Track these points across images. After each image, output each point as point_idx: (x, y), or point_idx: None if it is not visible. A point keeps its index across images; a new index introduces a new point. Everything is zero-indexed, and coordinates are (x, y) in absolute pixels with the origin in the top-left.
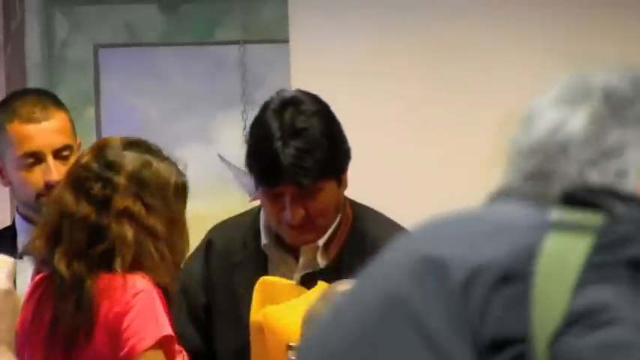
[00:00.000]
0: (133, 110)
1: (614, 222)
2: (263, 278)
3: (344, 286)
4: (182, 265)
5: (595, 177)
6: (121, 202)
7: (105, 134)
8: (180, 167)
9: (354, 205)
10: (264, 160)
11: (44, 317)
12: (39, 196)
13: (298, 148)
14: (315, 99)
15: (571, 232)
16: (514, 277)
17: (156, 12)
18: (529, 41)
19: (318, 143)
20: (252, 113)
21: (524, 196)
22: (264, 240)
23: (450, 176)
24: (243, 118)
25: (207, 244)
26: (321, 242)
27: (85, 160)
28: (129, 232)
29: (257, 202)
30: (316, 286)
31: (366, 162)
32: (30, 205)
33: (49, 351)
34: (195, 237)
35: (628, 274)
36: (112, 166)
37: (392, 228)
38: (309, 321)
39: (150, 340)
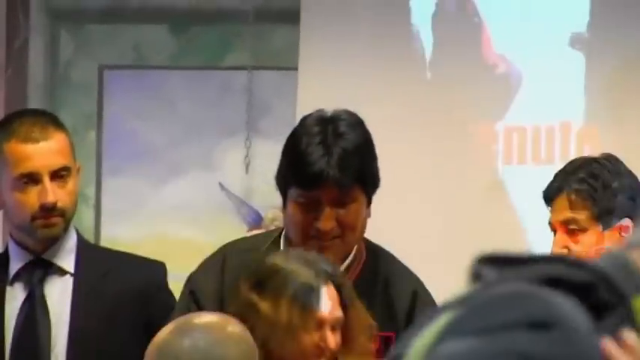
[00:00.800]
0: (135, 134)
1: None
2: None
3: (202, 317)
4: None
5: None
6: None
7: (106, 158)
8: None
9: (367, 242)
10: (305, 161)
11: None
12: (34, 218)
13: (344, 148)
14: (353, 113)
15: None
16: None
17: (165, 33)
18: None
19: (360, 149)
20: (256, 141)
21: None
22: None
23: (453, 203)
24: (246, 145)
25: (223, 260)
26: (342, 267)
27: None
28: None
29: (254, 232)
30: None
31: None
32: (24, 229)
33: None
34: (191, 266)
35: None
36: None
37: (403, 270)
38: (160, 352)
39: None
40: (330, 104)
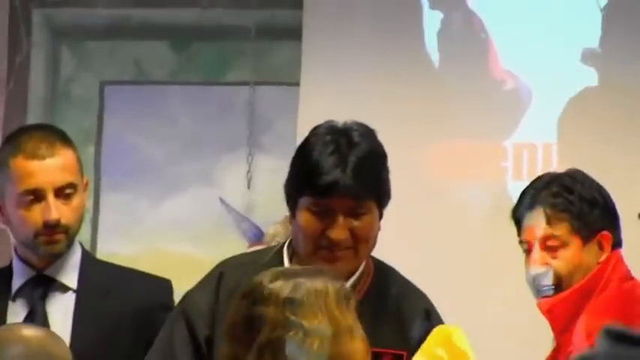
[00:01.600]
0: (135, 150)
1: None
2: None
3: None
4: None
5: None
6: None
7: (104, 173)
8: None
9: (374, 259)
10: (319, 170)
11: None
12: (37, 235)
13: (359, 158)
14: (364, 125)
15: None
16: None
17: (166, 49)
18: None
19: (374, 159)
20: (258, 157)
21: None
22: None
23: (460, 222)
24: (247, 161)
25: (219, 277)
26: (348, 284)
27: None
28: None
29: (254, 248)
30: None
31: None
32: (27, 245)
33: None
34: (190, 282)
35: None
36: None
37: (413, 288)
38: None
39: None
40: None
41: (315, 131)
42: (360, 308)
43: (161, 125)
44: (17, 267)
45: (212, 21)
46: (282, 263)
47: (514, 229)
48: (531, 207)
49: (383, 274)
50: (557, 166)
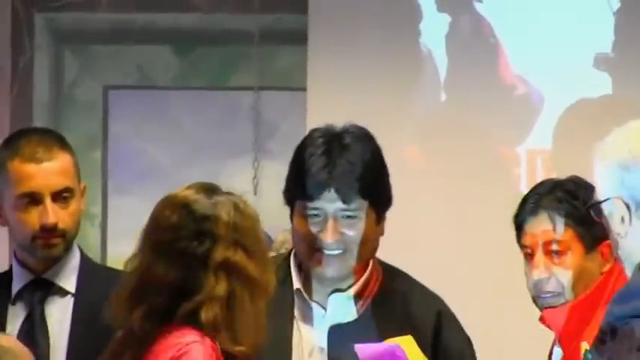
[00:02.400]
0: (141, 154)
1: None
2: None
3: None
4: None
5: None
6: (221, 253)
7: (111, 178)
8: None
9: (381, 262)
10: (308, 172)
11: None
12: (34, 238)
13: (348, 161)
14: (362, 127)
15: None
16: None
17: (170, 54)
18: None
19: (366, 162)
20: (264, 162)
21: None
22: (296, 284)
23: (473, 228)
24: (254, 166)
25: None
26: (352, 292)
27: (172, 220)
28: (223, 285)
29: None
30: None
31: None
32: (25, 248)
33: None
34: None
35: None
36: (208, 219)
37: (419, 287)
38: None
39: None
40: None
41: (310, 134)
42: (369, 312)
43: (166, 130)
44: (16, 270)
45: (215, 25)
46: (289, 270)
47: None
48: (535, 212)
49: (392, 277)
50: (569, 173)
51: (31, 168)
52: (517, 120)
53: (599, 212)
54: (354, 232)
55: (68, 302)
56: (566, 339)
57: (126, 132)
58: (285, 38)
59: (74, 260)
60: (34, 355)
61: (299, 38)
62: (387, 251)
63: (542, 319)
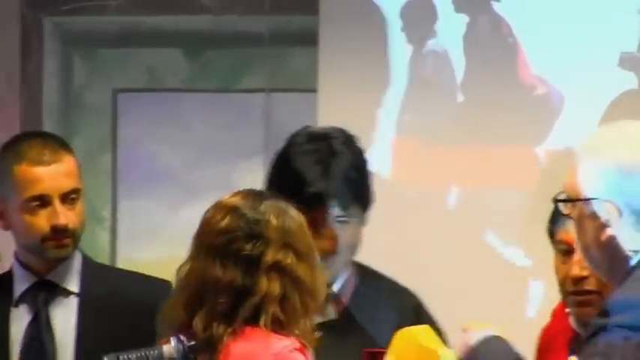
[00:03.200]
0: (151, 158)
1: None
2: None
3: None
4: None
5: None
6: (272, 256)
7: (121, 182)
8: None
9: (356, 263)
10: (304, 181)
11: None
12: (44, 240)
13: (342, 168)
14: (343, 130)
15: None
16: None
17: (179, 57)
18: None
19: (357, 167)
20: None
21: None
22: None
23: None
24: (265, 168)
25: None
26: (335, 288)
27: (224, 224)
28: (277, 286)
29: None
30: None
31: (387, 216)
32: (33, 250)
33: None
34: None
35: None
36: (258, 223)
37: (394, 283)
38: None
39: None
40: (351, 127)
41: (293, 139)
42: (348, 314)
43: (176, 133)
44: (18, 273)
45: (225, 27)
46: None
47: (547, 237)
48: None
49: (367, 276)
50: None
51: (39, 171)
52: (536, 121)
53: (571, 208)
54: (347, 236)
55: (72, 303)
56: None
57: (136, 135)
58: (296, 40)
59: (76, 261)
60: (41, 357)
61: (310, 40)
62: (399, 255)
63: (576, 314)
